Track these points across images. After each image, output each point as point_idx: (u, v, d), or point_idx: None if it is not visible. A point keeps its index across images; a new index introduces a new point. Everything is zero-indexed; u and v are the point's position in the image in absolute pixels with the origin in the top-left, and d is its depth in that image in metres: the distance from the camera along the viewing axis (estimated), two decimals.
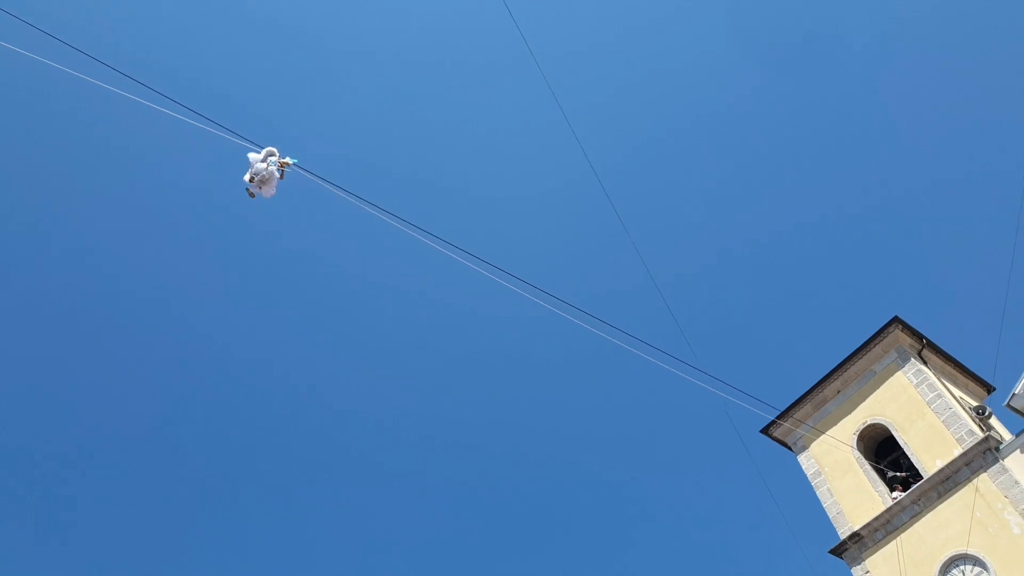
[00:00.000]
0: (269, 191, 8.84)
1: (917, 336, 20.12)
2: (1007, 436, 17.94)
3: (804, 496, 20.81)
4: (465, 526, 51.39)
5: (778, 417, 20.97)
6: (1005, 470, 16.66)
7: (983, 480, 16.94)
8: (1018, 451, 16.79)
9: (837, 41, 42.88)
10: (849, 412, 20.39)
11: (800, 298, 48.88)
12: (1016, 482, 16.36)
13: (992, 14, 39.12)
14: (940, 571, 16.76)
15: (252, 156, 8.80)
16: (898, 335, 19.95)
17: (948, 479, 17.50)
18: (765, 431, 21.79)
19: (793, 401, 21.22)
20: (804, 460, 20.89)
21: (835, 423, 20.49)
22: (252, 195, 8.93)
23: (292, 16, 41.75)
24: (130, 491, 45.76)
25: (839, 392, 20.76)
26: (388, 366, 49.73)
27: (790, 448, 21.61)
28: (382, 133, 45.91)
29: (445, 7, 44.41)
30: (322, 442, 49.58)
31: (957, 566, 16.61)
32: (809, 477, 20.54)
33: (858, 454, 19.68)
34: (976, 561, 16.32)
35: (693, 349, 25.93)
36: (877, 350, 20.22)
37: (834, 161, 45.83)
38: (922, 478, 18.05)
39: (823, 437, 20.38)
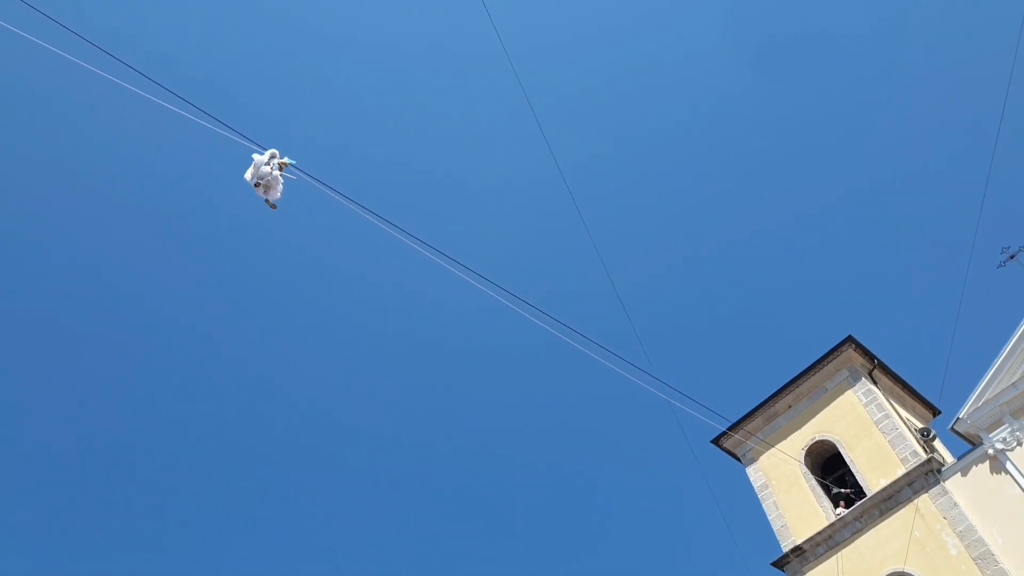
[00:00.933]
0: (275, 194, 9.06)
1: (869, 356, 20.45)
2: (949, 459, 18.32)
3: (751, 508, 21.05)
4: (411, 519, 51.18)
5: (729, 429, 21.15)
6: (945, 492, 17.01)
7: (924, 501, 17.29)
8: (959, 474, 17.16)
9: (811, 50, 43.56)
10: (799, 427, 20.66)
11: (758, 313, 49.57)
12: (955, 504, 16.72)
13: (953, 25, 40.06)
14: None
15: (257, 157, 8.92)
16: (851, 354, 20.25)
17: (890, 498, 17.82)
18: (716, 442, 21.98)
19: (745, 414, 21.43)
20: (752, 472, 21.11)
21: (784, 437, 20.74)
22: (274, 207, 9.15)
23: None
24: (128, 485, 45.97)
25: (790, 407, 21.02)
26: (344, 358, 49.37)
27: (739, 460, 21.82)
28: (356, 124, 45.53)
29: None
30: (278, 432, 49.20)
31: None
32: (756, 489, 20.76)
33: (805, 469, 19.93)
34: None
35: (649, 357, 26.06)
36: (830, 368, 20.51)
37: (802, 176, 46.54)
38: (865, 496, 18.35)
39: (772, 451, 20.60)
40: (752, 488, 20.93)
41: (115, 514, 46.23)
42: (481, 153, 47.05)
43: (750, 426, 21.28)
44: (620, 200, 47.69)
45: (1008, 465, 16.47)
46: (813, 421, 20.46)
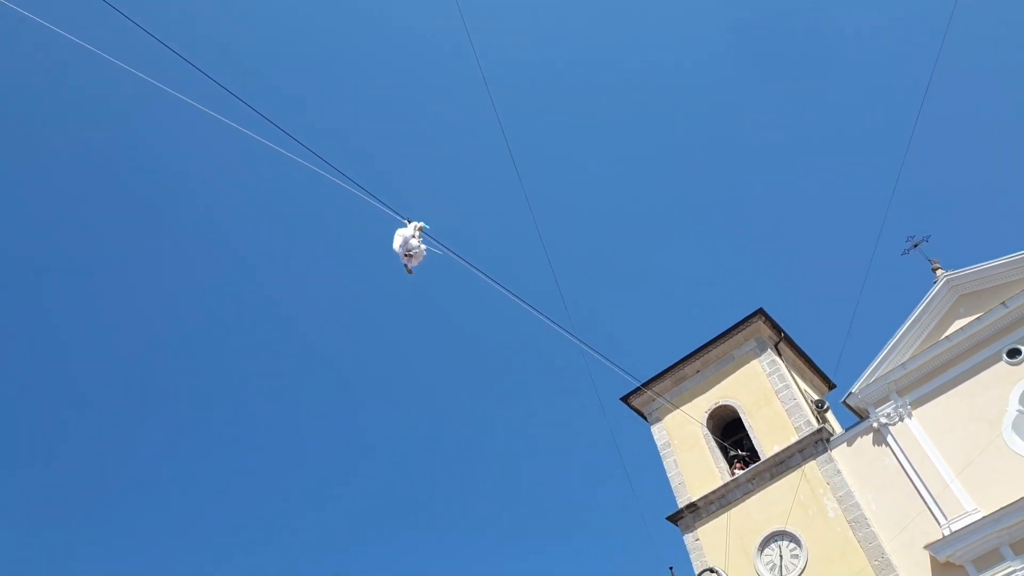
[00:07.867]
0: (417, 262, 10.14)
1: (776, 329, 21.40)
2: (839, 430, 19.49)
3: (653, 465, 21.96)
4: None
5: (639, 387, 21.86)
6: (831, 460, 18.16)
7: (811, 467, 18.42)
8: (845, 444, 18.31)
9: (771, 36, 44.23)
10: (704, 391, 21.56)
11: (676, 283, 50.94)
12: (838, 471, 17.88)
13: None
14: (760, 544, 18.21)
15: (402, 231, 10.00)
16: (760, 326, 21.16)
17: (782, 463, 18.90)
18: (625, 399, 22.74)
19: (655, 374, 22.19)
20: (657, 431, 21.98)
21: (690, 400, 21.61)
22: (411, 271, 10.23)
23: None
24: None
25: (698, 372, 21.88)
26: None
27: (646, 419, 22.65)
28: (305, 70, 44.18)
29: None
30: None
31: (775, 540, 18.08)
32: (659, 447, 21.64)
33: (706, 431, 20.88)
34: (792, 538, 17.81)
35: (570, 313, 26.69)
36: (739, 337, 21.39)
37: (727, 151, 47.60)
38: (759, 459, 19.41)
39: (677, 412, 21.47)
40: (655, 446, 21.82)
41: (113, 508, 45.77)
42: (412, 83, 46.44)
43: (658, 387, 22.07)
44: (558, 167, 48.01)
45: (889, 439, 17.66)
46: (718, 386, 21.37)
